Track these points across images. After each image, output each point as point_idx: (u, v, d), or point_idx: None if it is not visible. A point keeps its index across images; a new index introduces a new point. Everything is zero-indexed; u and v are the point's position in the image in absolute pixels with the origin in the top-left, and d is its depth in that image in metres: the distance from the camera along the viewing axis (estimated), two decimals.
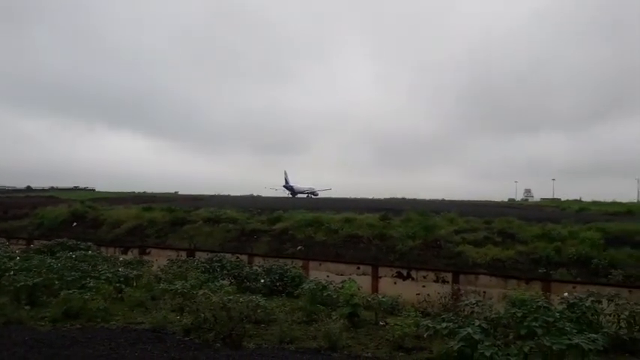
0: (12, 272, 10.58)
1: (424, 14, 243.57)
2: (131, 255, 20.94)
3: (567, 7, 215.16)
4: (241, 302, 7.76)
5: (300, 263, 19.63)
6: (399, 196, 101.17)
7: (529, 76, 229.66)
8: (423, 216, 27.45)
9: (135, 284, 10.89)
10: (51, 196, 58.63)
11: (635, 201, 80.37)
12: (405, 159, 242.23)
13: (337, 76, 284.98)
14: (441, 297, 12.15)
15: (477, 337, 5.42)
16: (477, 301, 7.75)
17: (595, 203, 59.87)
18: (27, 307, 9.17)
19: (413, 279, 19.68)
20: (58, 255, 13.24)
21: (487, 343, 5.38)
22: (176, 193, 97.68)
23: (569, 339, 5.16)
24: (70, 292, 9.05)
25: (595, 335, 5.44)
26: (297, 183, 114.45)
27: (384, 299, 9.10)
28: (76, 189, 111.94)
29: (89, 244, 16.77)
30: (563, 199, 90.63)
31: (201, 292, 8.77)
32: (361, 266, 20.68)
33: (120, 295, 10.32)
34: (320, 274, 18.38)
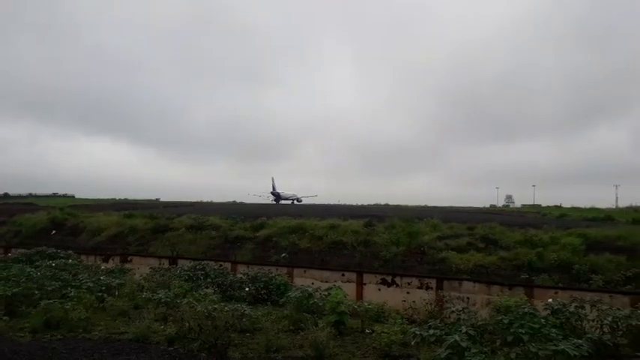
0: None
1: (405, 20, 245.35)
2: (112, 263, 20.60)
3: (547, 13, 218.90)
4: (226, 311, 7.66)
5: (284, 270, 19.54)
6: (383, 202, 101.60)
7: (509, 83, 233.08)
8: (406, 222, 27.52)
9: (117, 293, 10.68)
10: (29, 203, 57.55)
11: (614, 207, 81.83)
12: (387, 165, 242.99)
13: (319, 80, 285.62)
14: (427, 303, 12.16)
15: (464, 344, 5.43)
16: (464, 307, 7.77)
17: (575, 209, 60.77)
18: (5, 318, 8.93)
19: (397, 285, 19.72)
20: (37, 264, 12.95)
21: (474, 350, 5.40)
22: (157, 200, 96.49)
23: (555, 345, 5.21)
24: (51, 301, 8.85)
25: (580, 341, 5.50)
26: (280, 189, 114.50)
27: (370, 306, 9.10)
28: (54, 196, 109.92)
29: (69, 252, 16.45)
30: (543, 205, 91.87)
31: (185, 301, 8.67)
32: (346, 273, 20.65)
33: (102, 304, 10.14)
34: (305, 281, 18.33)
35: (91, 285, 10.35)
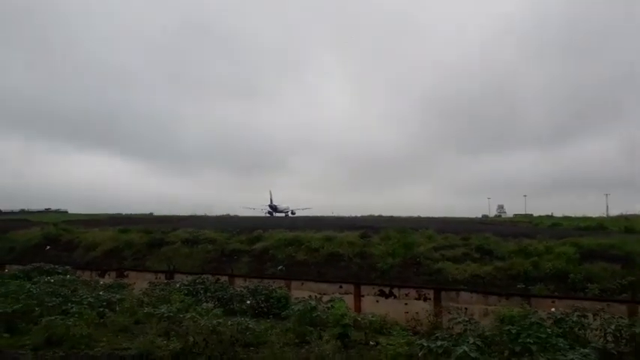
0: None
1: (395, 32, 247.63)
2: (109, 278, 20.42)
3: (533, 25, 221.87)
4: (230, 325, 7.67)
5: (281, 283, 19.48)
6: (376, 213, 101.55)
7: (498, 93, 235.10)
8: (401, 233, 27.59)
9: (117, 309, 10.61)
10: (22, 219, 56.78)
11: (605, 215, 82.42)
12: (380, 176, 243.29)
13: (311, 93, 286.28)
14: (429, 314, 12.20)
15: (473, 355, 5.48)
16: (469, 318, 7.81)
17: (566, 218, 61.14)
18: (6, 335, 8.85)
19: (395, 297, 19.74)
20: (35, 280, 12.83)
21: None
22: (151, 214, 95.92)
23: (564, 355, 5.27)
24: (52, 318, 8.80)
25: (587, 350, 5.57)
26: (275, 202, 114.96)
27: (373, 319, 9.11)
28: (47, 211, 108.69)
29: (67, 267, 16.31)
30: (535, 215, 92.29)
31: (188, 315, 8.63)
32: (343, 285, 20.65)
33: (102, 320, 10.05)
34: (302, 293, 18.26)
35: (92, 300, 10.28)
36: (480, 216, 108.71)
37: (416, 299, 19.31)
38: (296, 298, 11.23)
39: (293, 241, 26.62)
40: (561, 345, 5.71)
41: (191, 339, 7.53)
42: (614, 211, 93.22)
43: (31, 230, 33.68)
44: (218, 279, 17.28)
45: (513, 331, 6.06)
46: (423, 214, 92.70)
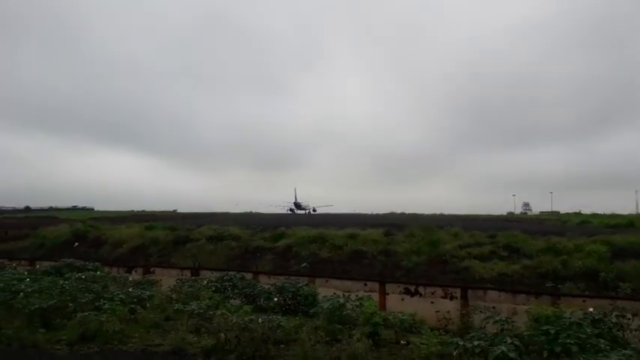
0: (22, 294, 10.44)
1: (418, 26, 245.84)
2: (135, 274, 20.73)
3: (563, 18, 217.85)
4: (262, 323, 7.68)
5: (305, 280, 19.50)
6: (398, 211, 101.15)
7: (525, 88, 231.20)
8: (426, 231, 27.39)
9: (148, 305, 10.73)
10: (51, 216, 58.22)
11: (635, 213, 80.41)
12: (402, 173, 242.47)
13: (333, 87, 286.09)
14: (460, 314, 12.04)
15: (512, 355, 5.37)
16: (507, 317, 7.67)
17: (595, 216, 59.88)
18: (42, 330, 9.01)
19: (421, 295, 19.59)
20: (66, 276, 13.06)
21: None
22: (175, 211, 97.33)
23: (606, 356, 5.13)
24: (86, 313, 8.95)
25: (628, 352, 5.40)
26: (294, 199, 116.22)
27: (404, 317, 9.02)
28: (74, 208, 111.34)
29: (97, 264, 16.61)
30: (562, 212, 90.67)
31: (218, 312, 8.68)
32: (368, 283, 20.58)
33: (133, 316, 10.16)
34: (327, 291, 18.21)
35: (123, 297, 10.40)
36: (504, 214, 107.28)
37: (442, 298, 19.13)
38: (324, 296, 11.18)
39: (316, 239, 26.67)
40: (602, 346, 5.55)
41: (222, 336, 7.56)
42: None
43: (59, 227, 34.44)
44: (243, 276, 17.40)
45: (552, 332, 5.90)
46: (446, 212, 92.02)
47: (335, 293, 16.53)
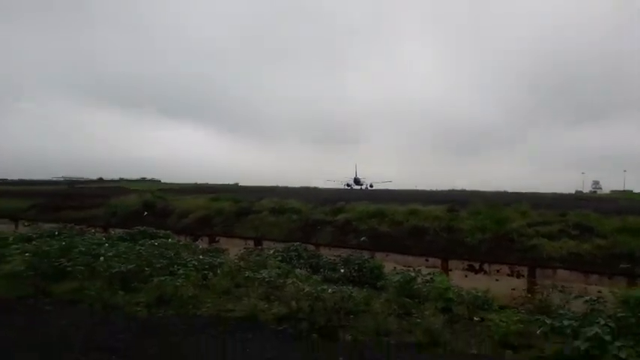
0: (102, 258, 10.97)
1: (490, 1, 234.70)
2: (202, 243, 21.43)
3: None
4: (332, 293, 7.65)
5: (366, 254, 19.42)
6: (459, 187, 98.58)
7: (598, 63, 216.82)
8: (492, 208, 26.44)
9: (219, 272, 11.01)
10: (121, 187, 61.38)
11: None
12: (466, 149, 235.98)
13: (398, 63, 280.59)
14: (544, 292, 11.51)
15: (606, 337, 5.00)
16: (598, 297, 7.21)
17: None
18: (121, 293, 9.44)
19: (485, 272, 19.09)
20: (140, 242, 13.61)
21: (618, 344, 4.96)
22: (237, 184, 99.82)
23: None
24: (162, 278, 9.28)
25: None
26: (353, 175, 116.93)
27: (478, 294, 8.73)
28: (143, 180, 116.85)
29: (168, 232, 17.24)
30: (635, 191, 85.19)
31: (289, 281, 8.74)
32: (430, 258, 20.26)
33: (205, 282, 10.45)
34: (387, 265, 18.13)
35: (196, 263, 10.72)
36: (572, 192, 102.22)
37: (508, 275, 18.57)
38: (394, 269, 11.04)
39: (376, 214, 26.41)
40: None
41: (294, 304, 7.60)
42: None
43: (129, 197, 36.10)
44: (306, 247, 17.57)
45: None
46: (510, 189, 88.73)
47: (395, 268, 16.42)
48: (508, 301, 13.25)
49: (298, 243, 15.23)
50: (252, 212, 28.95)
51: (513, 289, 15.38)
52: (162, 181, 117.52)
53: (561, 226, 22.87)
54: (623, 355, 4.77)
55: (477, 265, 19.33)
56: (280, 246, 15.81)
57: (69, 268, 10.48)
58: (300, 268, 12.18)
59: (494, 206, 26.96)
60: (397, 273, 10.04)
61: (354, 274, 12.06)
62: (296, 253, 13.40)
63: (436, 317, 7.29)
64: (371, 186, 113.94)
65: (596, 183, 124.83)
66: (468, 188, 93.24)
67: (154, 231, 16.63)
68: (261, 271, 10.00)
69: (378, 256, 20.13)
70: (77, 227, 20.11)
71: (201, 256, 12.08)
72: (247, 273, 10.33)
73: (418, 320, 7.55)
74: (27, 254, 11.22)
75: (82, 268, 10.39)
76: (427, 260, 20.04)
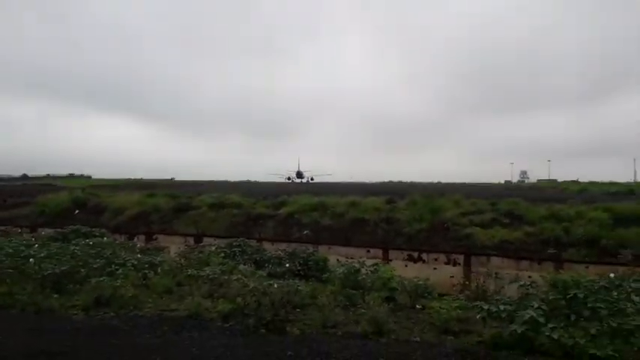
0: (33, 260, 10.35)
1: None
2: (138, 241, 20.73)
3: None
4: (279, 287, 7.66)
5: (310, 247, 19.57)
6: (395, 179, 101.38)
7: (525, 53, 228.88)
8: (428, 199, 27.39)
9: (159, 271, 10.70)
10: (49, 184, 57.91)
11: (633, 181, 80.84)
12: (400, 141, 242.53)
13: (331, 54, 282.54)
14: (480, 279, 12.06)
15: (540, 320, 5.34)
16: (532, 282, 7.65)
17: (593, 184, 60.21)
18: (55, 296, 8.96)
19: (424, 261, 19.81)
20: (74, 242, 12.97)
21: (551, 326, 5.31)
22: (172, 179, 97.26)
23: (634, 319, 5.12)
24: (100, 279, 8.90)
25: None
26: (293, 169, 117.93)
27: (420, 282, 9.03)
28: (72, 176, 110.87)
29: (103, 230, 16.53)
30: (560, 181, 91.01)
31: (234, 277, 8.65)
32: (371, 249, 20.76)
33: (145, 282, 10.13)
34: (330, 257, 18.37)
35: (135, 263, 10.37)
36: (502, 182, 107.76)
37: (445, 264, 19.38)
38: (337, 261, 11.19)
39: (318, 206, 26.67)
40: (629, 310, 5.54)
41: (240, 300, 7.53)
42: None
43: (59, 195, 34.11)
44: (249, 242, 17.42)
45: (580, 295, 5.87)
46: (444, 180, 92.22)
47: (338, 260, 16.68)
48: (447, 288, 13.85)
49: (241, 238, 15.07)
50: (192, 208, 28.30)
51: (452, 277, 16.02)
52: (93, 177, 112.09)
53: (493, 215, 24.10)
54: (555, 335, 5.13)
55: (415, 255, 20.01)
56: (222, 242, 15.57)
57: None
58: (245, 264, 12.08)
59: (430, 197, 27.96)
60: (341, 265, 10.20)
61: (300, 268, 12.11)
62: (239, 249, 13.26)
63: (380, 307, 7.45)
64: (312, 179, 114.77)
65: (523, 173, 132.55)
66: (403, 180, 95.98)
67: (89, 230, 15.89)
68: (204, 269, 9.86)
69: (322, 248, 20.35)
70: (1, 228, 18.88)
71: (139, 255, 11.73)
72: (189, 271, 10.13)
73: (363, 310, 7.72)
74: None
75: (11, 271, 9.73)
76: (369, 251, 20.51)
